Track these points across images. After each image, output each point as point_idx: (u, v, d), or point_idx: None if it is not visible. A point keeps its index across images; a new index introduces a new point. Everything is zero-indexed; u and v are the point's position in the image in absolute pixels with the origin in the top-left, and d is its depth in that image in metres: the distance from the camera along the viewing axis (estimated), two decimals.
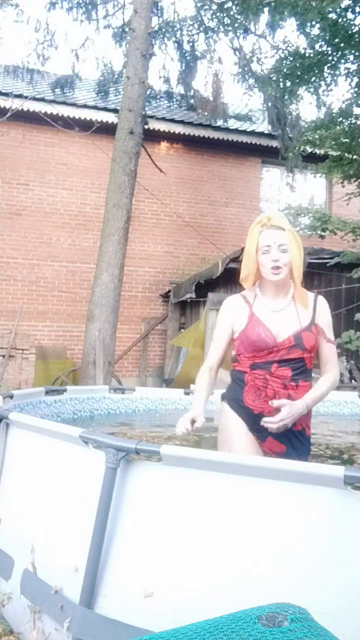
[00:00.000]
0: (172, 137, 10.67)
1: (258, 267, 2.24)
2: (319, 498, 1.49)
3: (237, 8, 8.37)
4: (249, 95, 10.97)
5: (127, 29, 9.89)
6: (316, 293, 2.34)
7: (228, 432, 2.27)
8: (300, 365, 2.19)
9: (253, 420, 2.20)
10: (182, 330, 9.97)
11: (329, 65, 7.92)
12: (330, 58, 7.80)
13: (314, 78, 8.17)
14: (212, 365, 2.34)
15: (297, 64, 7.85)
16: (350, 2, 7.30)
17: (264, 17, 8.98)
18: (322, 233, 8.88)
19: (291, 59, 8.07)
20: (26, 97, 9.09)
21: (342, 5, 7.17)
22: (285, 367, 2.17)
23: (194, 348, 8.18)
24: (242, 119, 11.49)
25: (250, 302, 2.29)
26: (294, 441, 2.21)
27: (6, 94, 9.15)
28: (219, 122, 10.80)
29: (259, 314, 2.24)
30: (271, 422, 2.08)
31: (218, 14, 9.36)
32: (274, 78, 8.41)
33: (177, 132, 10.51)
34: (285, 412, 2.08)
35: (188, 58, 11.08)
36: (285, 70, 8.05)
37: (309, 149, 9.56)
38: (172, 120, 10.56)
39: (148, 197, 10.05)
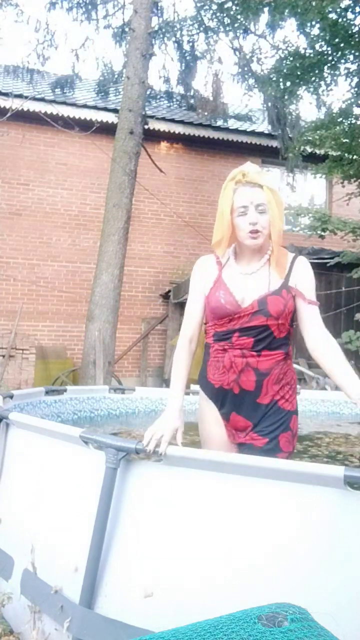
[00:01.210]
0: (172, 137, 10.68)
1: (233, 231, 1.98)
2: (319, 498, 1.49)
3: (237, 8, 8.38)
4: (249, 95, 10.99)
5: (127, 29, 9.89)
6: (297, 253, 2.09)
7: (200, 418, 2.13)
8: (266, 335, 1.94)
9: (216, 396, 2.03)
10: None
11: (329, 65, 7.92)
12: (330, 58, 7.81)
13: (314, 78, 8.17)
14: (191, 335, 2.04)
15: (297, 64, 7.86)
16: (350, 2, 7.31)
17: (264, 17, 9.01)
18: (322, 233, 8.87)
19: (291, 59, 8.08)
20: (26, 97, 9.09)
21: (342, 5, 7.18)
22: (247, 336, 1.94)
23: None
24: (242, 119, 11.50)
25: (222, 264, 2.05)
26: (261, 416, 1.97)
27: (6, 94, 9.15)
28: (219, 122, 10.81)
29: (226, 278, 2.00)
30: None
31: (218, 14, 9.37)
32: (274, 78, 8.42)
33: (177, 132, 10.51)
34: None
35: (188, 58, 11.08)
36: (285, 70, 8.06)
37: (309, 149, 9.56)
38: (172, 120, 10.56)
39: (148, 197, 10.05)
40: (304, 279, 2.00)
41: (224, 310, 1.96)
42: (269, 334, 1.95)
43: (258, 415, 1.99)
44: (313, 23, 7.72)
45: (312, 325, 1.97)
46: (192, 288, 2.09)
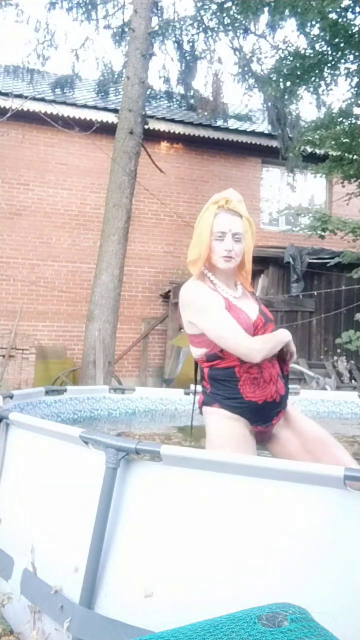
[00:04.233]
0: (172, 137, 10.67)
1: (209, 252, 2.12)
2: (319, 498, 1.49)
3: (237, 8, 8.38)
4: (249, 95, 10.98)
5: (127, 29, 9.89)
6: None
7: (224, 435, 2.11)
8: None
9: (256, 412, 2.11)
10: (182, 330, 9.96)
11: (329, 65, 7.93)
12: (330, 58, 7.81)
13: (314, 78, 8.18)
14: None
15: (297, 64, 7.87)
16: (350, 2, 7.31)
17: (264, 17, 9.00)
18: (322, 233, 8.88)
19: (291, 59, 8.08)
20: (26, 97, 9.09)
21: (342, 5, 7.17)
22: None
23: None
24: (242, 119, 11.49)
25: (216, 289, 2.14)
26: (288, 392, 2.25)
27: (6, 94, 9.15)
28: (219, 122, 10.80)
29: (233, 301, 2.14)
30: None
31: (218, 14, 9.36)
32: (274, 78, 8.42)
33: (177, 132, 10.50)
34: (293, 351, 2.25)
35: (188, 58, 11.07)
36: (285, 70, 8.06)
37: (309, 149, 9.56)
38: (172, 120, 10.56)
39: (148, 197, 10.04)
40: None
41: (251, 331, 2.10)
42: None
43: (288, 392, 2.26)
44: (313, 23, 7.72)
45: None
46: (212, 305, 2.07)
